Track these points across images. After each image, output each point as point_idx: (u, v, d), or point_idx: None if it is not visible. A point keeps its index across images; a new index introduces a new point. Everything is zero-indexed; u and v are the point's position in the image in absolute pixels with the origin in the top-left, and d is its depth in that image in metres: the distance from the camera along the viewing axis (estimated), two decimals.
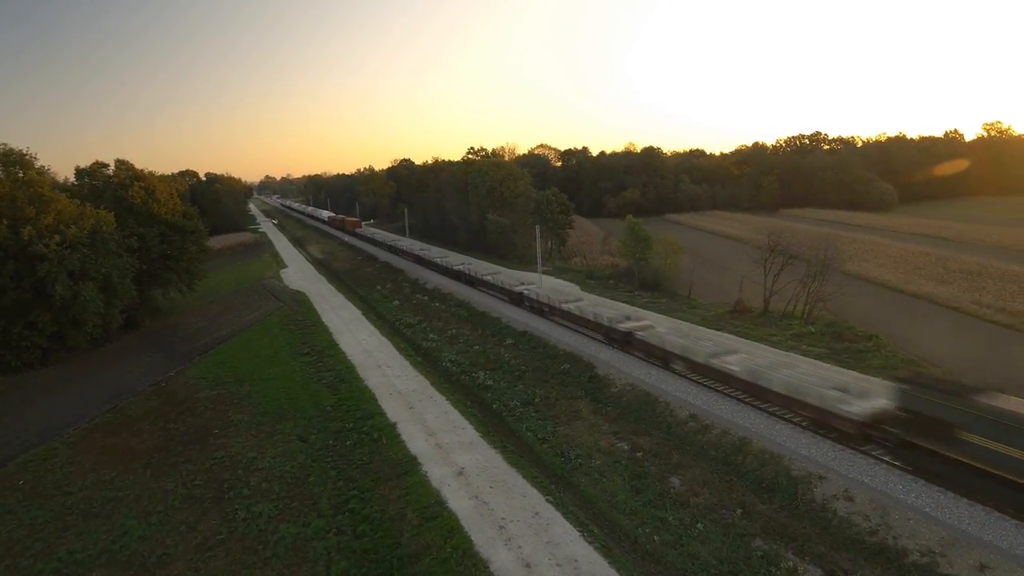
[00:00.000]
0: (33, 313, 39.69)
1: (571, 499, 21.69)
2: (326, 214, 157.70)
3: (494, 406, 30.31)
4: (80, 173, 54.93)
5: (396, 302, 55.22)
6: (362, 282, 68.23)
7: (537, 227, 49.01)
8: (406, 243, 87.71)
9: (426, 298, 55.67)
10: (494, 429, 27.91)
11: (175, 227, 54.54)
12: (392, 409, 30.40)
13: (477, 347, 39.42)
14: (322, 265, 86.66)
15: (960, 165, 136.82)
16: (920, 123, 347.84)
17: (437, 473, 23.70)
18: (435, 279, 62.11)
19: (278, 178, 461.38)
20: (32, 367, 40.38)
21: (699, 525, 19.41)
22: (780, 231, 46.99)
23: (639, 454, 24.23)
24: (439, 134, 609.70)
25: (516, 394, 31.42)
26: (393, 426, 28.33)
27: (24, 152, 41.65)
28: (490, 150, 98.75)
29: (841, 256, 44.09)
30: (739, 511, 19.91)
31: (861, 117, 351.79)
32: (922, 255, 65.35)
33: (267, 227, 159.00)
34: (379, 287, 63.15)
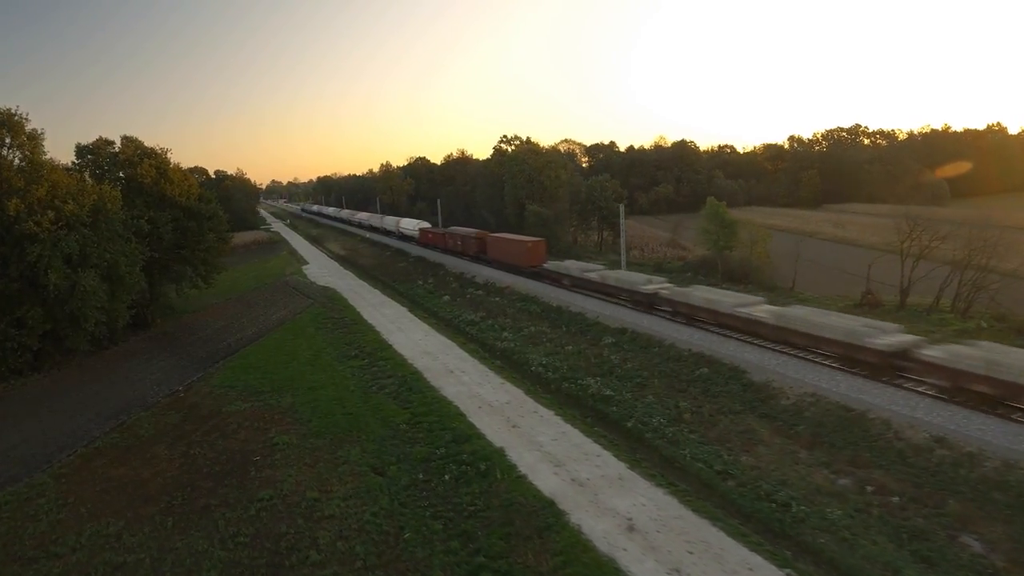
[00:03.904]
0: (22, 307, 32.19)
1: (822, 574, 14.06)
2: (412, 224, 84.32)
3: (628, 424, 22.64)
4: (81, 150, 47.34)
5: (446, 297, 47.67)
6: (397, 277, 60.72)
7: (621, 206, 41.37)
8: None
9: (481, 292, 48.10)
10: (642, 456, 20.31)
11: (190, 212, 46.99)
12: (490, 428, 22.81)
13: (570, 347, 31.81)
14: (347, 261, 79.19)
15: (986, 160, 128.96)
16: (954, 117, 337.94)
17: (596, 528, 16.09)
18: (486, 272, 54.52)
19: (284, 182, 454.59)
20: (20, 373, 32.89)
21: None
22: (916, 216, 39.84)
23: (894, 499, 16.53)
24: (443, 137, 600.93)
25: (649, 407, 23.77)
26: (501, 452, 20.74)
27: (13, 112, 34.28)
28: (525, 138, 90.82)
29: (1002, 243, 36.73)
30: None
31: (871, 111, 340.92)
32: None
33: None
34: (420, 282, 55.64)
